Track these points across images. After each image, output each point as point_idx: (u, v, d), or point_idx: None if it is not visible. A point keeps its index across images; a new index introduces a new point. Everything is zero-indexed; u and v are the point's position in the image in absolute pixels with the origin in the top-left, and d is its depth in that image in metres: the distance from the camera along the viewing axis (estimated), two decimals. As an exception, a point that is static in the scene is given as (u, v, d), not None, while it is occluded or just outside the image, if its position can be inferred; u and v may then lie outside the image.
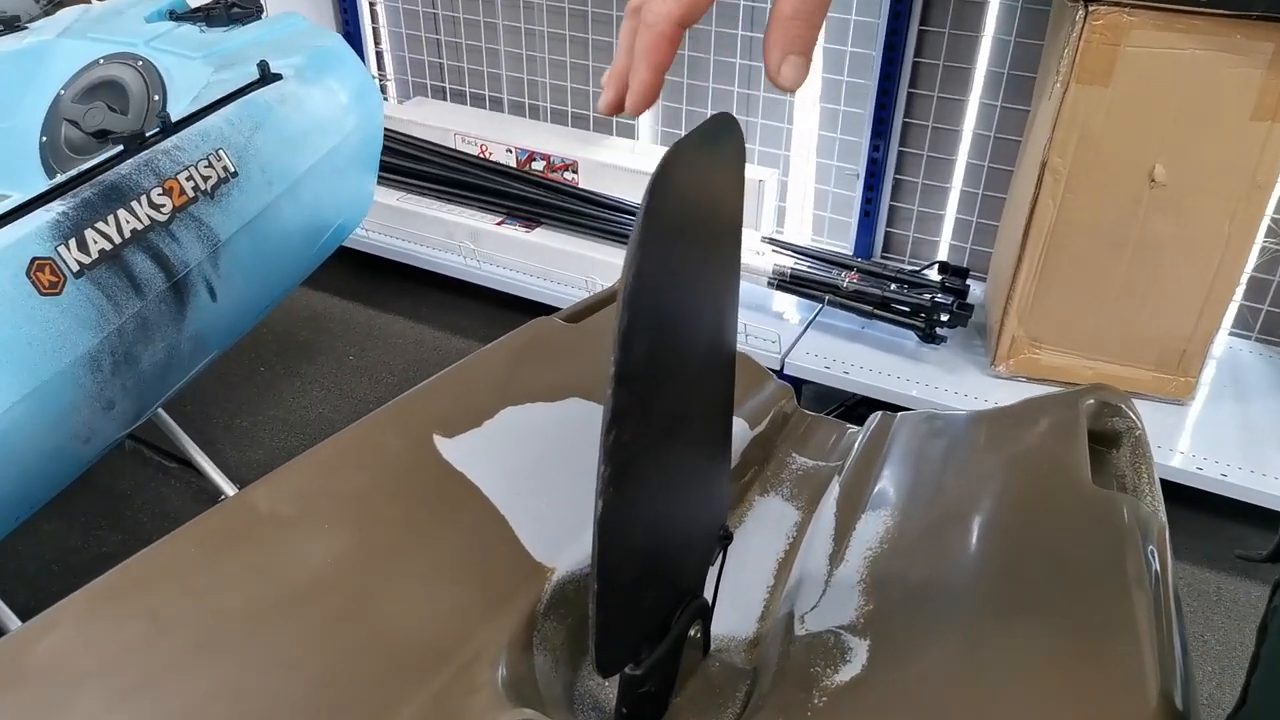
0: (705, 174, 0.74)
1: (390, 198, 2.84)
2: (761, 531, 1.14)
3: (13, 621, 1.60)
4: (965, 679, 0.79)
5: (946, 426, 1.21)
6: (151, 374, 1.49)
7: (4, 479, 1.25)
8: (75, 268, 1.31)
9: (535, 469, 1.04)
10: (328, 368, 2.72)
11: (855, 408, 2.42)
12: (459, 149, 2.94)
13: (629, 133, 3.03)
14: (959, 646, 0.82)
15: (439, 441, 1.05)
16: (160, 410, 2.06)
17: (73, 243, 1.31)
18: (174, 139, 1.52)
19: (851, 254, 2.69)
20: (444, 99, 3.31)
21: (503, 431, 1.07)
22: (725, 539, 0.98)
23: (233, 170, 1.59)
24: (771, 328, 2.33)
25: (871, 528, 1.01)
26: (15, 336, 1.23)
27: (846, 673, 0.83)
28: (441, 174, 2.84)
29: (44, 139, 1.95)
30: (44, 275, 1.27)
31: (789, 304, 2.48)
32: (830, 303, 2.31)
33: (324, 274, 3.38)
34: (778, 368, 2.31)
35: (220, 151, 1.57)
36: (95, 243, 1.34)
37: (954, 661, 0.81)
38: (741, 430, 1.19)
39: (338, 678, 0.82)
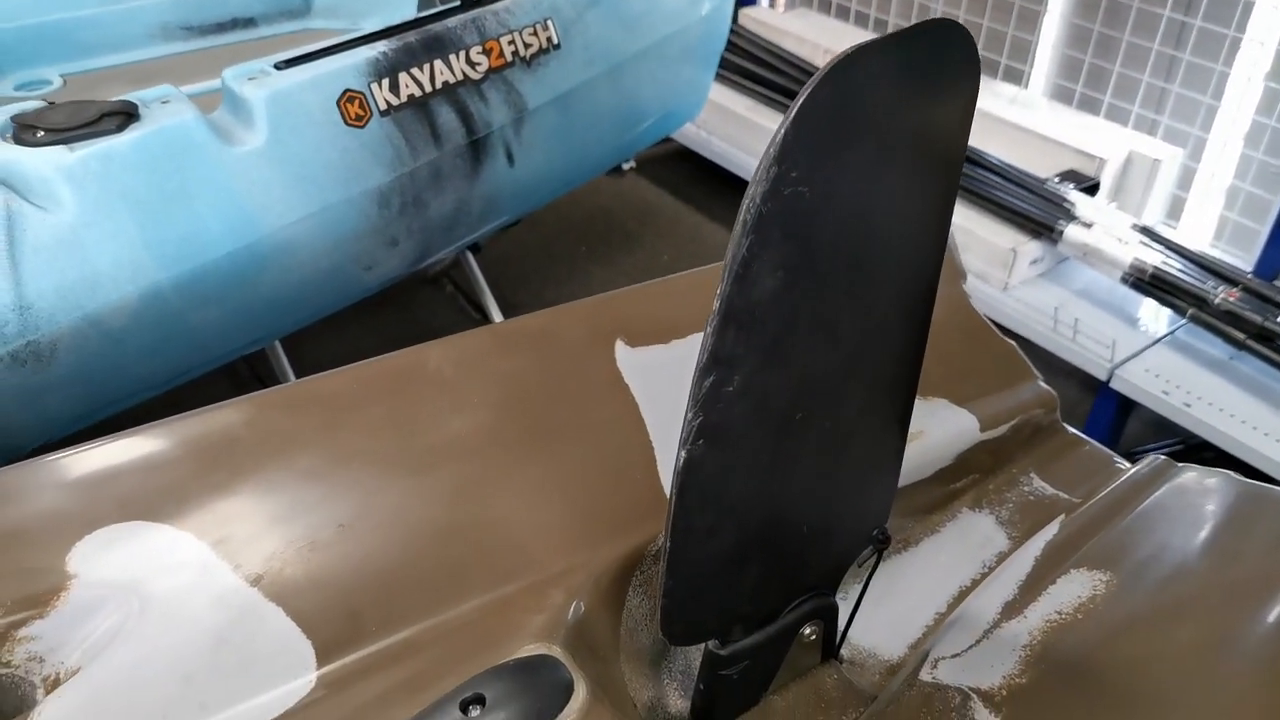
0: (903, 82, 0.58)
1: (739, 104, 2.77)
2: (956, 549, 0.97)
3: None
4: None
5: (1246, 501, 0.94)
6: (438, 222, 1.57)
7: (284, 284, 1.38)
8: (383, 106, 1.39)
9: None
10: (641, 262, 2.77)
11: (1197, 450, 2.01)
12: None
13: (1015, 78, 2.69)
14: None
15: (620, 347, 0.99)
16: (470, 258, 2.21)
17: (385, 82, 1.39)
18: (508, 1, 1.55)
19: (1247, 270, 2.21)
20: (828, 13, 3.15)
21: (686, 356, 0.99)
22: (881, 542, 0.83)
23: (555, 42, 1.60)
24: (1109, 330, 1.99)
25: (1074, 589, 0.81)
26: (315, 158, 1.33)
27: (954, 744, 0.67)
28: (796, 90, 2.72)
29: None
30: (352, 107, 1.36)
31: (1143, 309, 2.10)
32: (1193, 318, 1.92)
33: (665, 169, 3.44)
34: (1104, 378, 1.97)
35: (548, 21, 1.59)
36: (406, 87, 1.41)
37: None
38: (967, 428, 1.00)
39: (429, 542, 0.81)
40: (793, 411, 0.66)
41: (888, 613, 0.90)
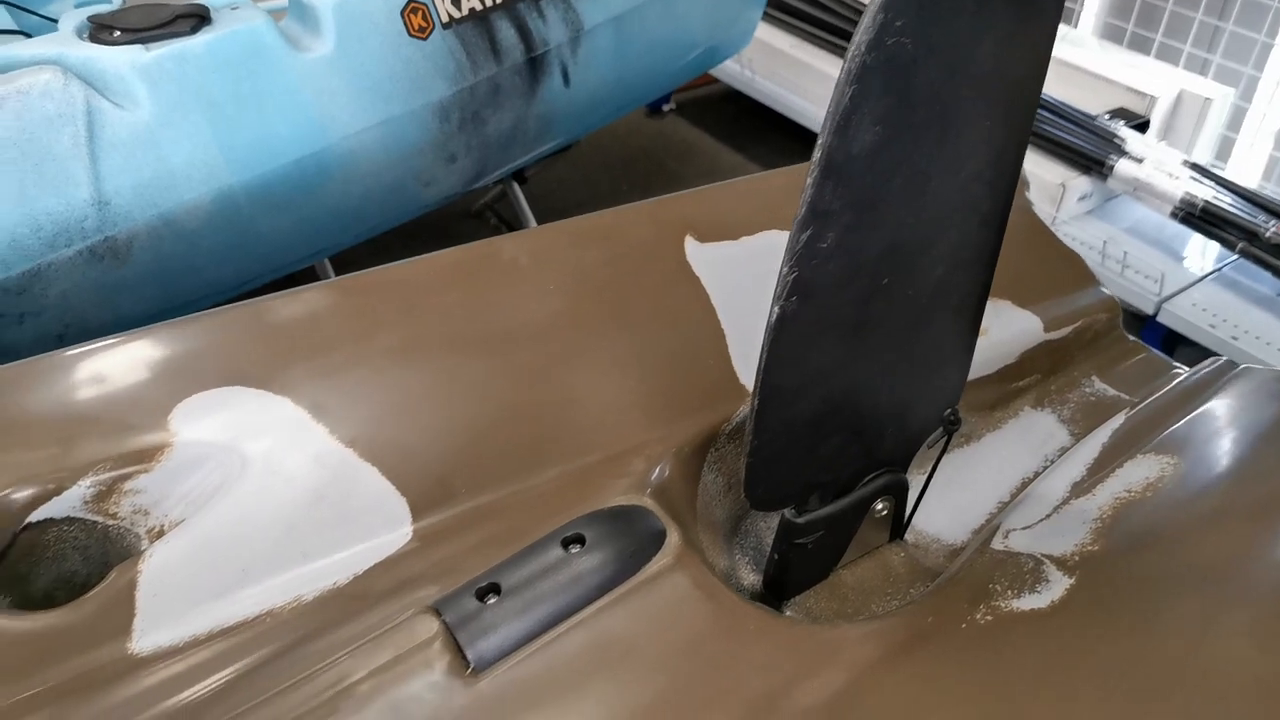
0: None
1: (785, 42, 2.75)
2: (1017, 444, 0.99)
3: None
4: (1157, 662, 0.62)
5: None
6: (495, 140, 1.58)
7: (347, 195, 1.41)
8: (445, 19, 1.40)
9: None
10: (682, 200, 2.76)
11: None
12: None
13: (1066, 18, 2.65)
14: (1174, 629, 0.65)
15: (690, 243, 1.00)
16: (517, 188, 2.22)
17: (448, -6, 1.40)
18: (566, -82, 1.55)
19: (1299, 208, 2.19)
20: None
21: (757, 252, 1.00)
22: (952, 423, 0.85)
23: (612, -39, 1.60)
24: (1158, 264, 1.98)
25: (1141, 471, 0.82)
26: (379, 68, 1.35)
27: (1029, 602, 0.69)
28: (846, 29, 2.69)
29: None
30: (416, 18, 1.37)
31: (1191, 245, 2.08)
32: (1243, 252, 1.91)
33: (706, 111, 3.42)
34: (1151, 312, 1.97)
35: (605, -60, 1.59)
36: (468, 0, 1.42)
37: (1157, 642, 0.64)
38: (1030, 328, 1.01)
39: (512, 417, 0.83)
40: (879, 276, 0.67)
41: (951, 501, 0.92)
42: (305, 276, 1.76)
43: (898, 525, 0.86)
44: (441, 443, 0.80)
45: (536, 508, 0.75)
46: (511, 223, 2.42)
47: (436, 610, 0.60)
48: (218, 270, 1.33)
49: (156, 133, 1.17)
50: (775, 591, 0.79)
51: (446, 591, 0.62)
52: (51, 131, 1.11)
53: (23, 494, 0.71)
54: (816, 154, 0.59)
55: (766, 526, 0.88)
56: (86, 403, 0.78)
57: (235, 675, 0.64)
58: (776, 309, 0.63)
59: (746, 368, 0.90)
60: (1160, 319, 1.96)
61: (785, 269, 0.62)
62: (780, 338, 0.64)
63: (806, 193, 0.60)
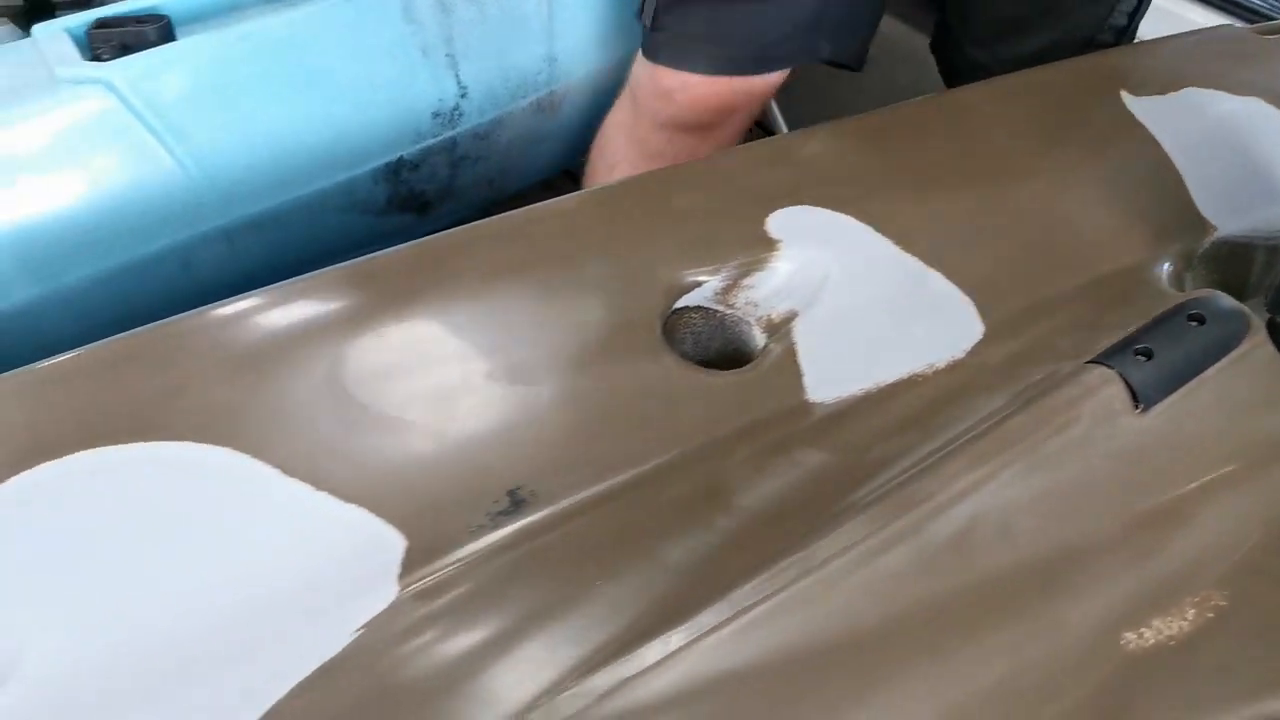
0: None
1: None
2: None
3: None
4: None
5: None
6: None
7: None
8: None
9: (1222, 135, 1.09)
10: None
11: None
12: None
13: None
14: None
15: (1126, 96, 1.13)
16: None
17: None
18: None
19: None
20: None
21: (1190, 107, 1.13)
22: None
23: None
24: None
25: None
26: None
27: None
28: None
29: None
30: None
31: None
32: None
33: None
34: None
35: None
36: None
37: None
38: None
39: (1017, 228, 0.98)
40: None
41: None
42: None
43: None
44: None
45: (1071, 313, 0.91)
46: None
47: (1102, 362, 0.76)
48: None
49: (597, -1, 1.32)
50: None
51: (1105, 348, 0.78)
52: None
53: (688, 279, 0.89)
54: None
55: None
56: (688, 212, 0.95)
57: (904, 419, 0.81)
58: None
59: (1208, 202, 1.03)
60: None
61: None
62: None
63: None
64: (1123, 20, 1.27)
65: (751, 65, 1.18)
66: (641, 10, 1.18)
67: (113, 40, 1.01)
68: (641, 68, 1.21)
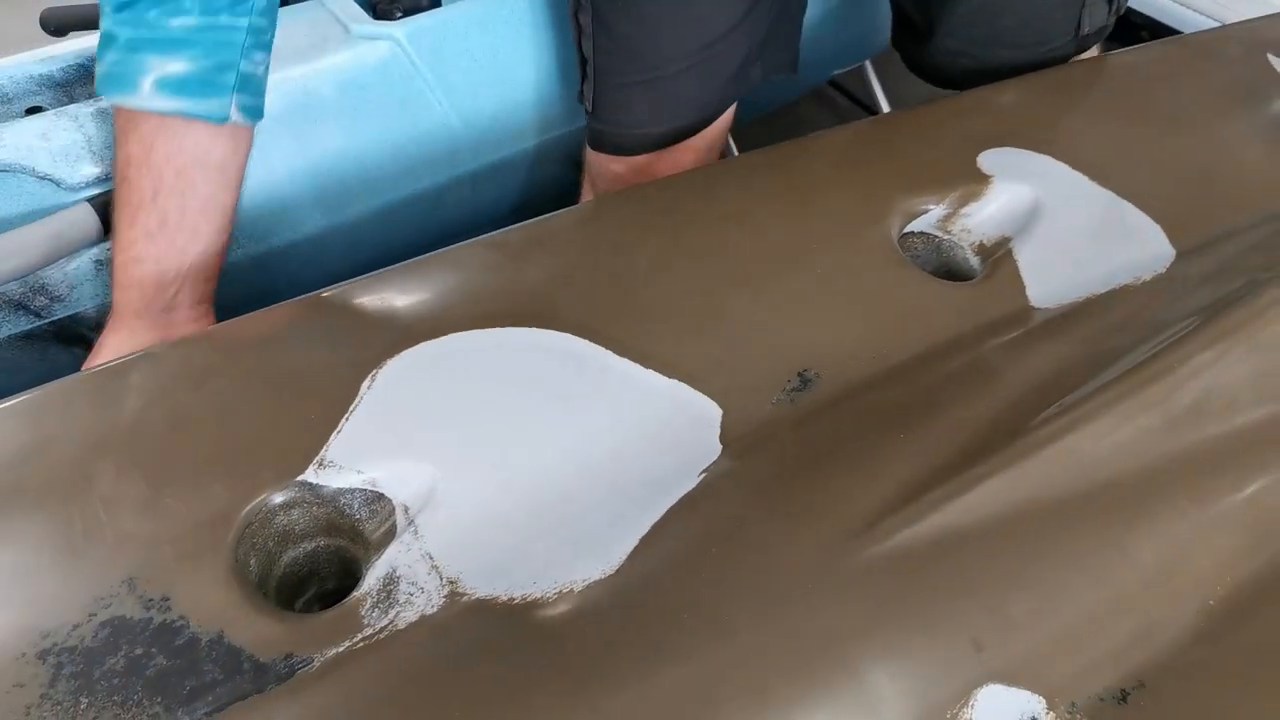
0: None
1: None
2: None
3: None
4: None
5: None
6: None
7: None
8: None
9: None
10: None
11: None
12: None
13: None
14: None
15: (1271, 59, 1.26)
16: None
17: None
18: None
19: None
20: None
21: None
22: None
23: None
24: None
25: None
26: None
27: None
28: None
29: None
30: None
31: None
32: None
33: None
34: None
35: None
36: None
37: None
38: None
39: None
40: None
41: None
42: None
43: None
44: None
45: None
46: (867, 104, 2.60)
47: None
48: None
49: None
50: None
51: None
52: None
53: (919, 207, 1.04)
54: None
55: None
56: (912, 153, 1.10)
57: (1124, 319, 0.94)
58: None
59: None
60: None
61: None
62: None
63: None
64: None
65: (695, 126, 1.17)
66: (581, 94, 1.16)
67: (395, 3, 1.17)
68: (587, 149, 1.21)
